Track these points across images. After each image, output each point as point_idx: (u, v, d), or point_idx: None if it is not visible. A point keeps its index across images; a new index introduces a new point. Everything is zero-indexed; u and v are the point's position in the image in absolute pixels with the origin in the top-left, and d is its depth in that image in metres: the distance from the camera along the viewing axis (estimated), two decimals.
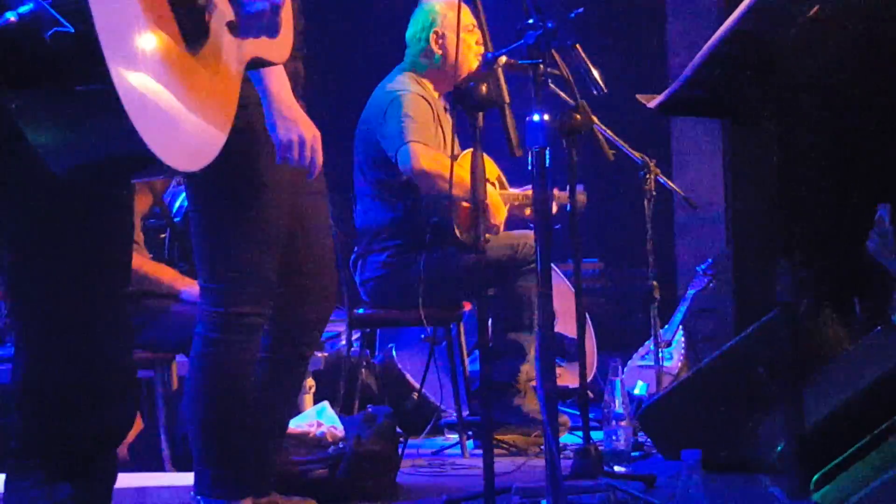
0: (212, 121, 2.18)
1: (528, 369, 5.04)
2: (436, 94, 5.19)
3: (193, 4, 2.15)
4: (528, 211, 5.18)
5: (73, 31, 1.83)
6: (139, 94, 1.93)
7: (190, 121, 2.10)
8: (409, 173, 4.92)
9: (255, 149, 2.91)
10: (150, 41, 2.02)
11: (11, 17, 1.83)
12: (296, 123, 2.94)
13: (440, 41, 5.18)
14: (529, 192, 5.16)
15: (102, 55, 1.86)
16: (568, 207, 4.25)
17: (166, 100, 2.02)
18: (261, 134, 2.91)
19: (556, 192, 5.04)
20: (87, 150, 2.01)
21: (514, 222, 5.29)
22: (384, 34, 5.66)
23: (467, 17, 4.97)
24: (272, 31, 2.32)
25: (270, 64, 2.48)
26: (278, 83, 2.96)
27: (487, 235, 5.04)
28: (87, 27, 1.84)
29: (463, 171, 4.65)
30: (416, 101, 5.03)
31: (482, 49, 4.93)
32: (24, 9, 1.83)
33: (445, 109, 5.21)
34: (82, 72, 1.88)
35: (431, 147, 4.97)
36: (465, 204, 4.84)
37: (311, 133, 2.96)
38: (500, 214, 5.14)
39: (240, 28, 2.26)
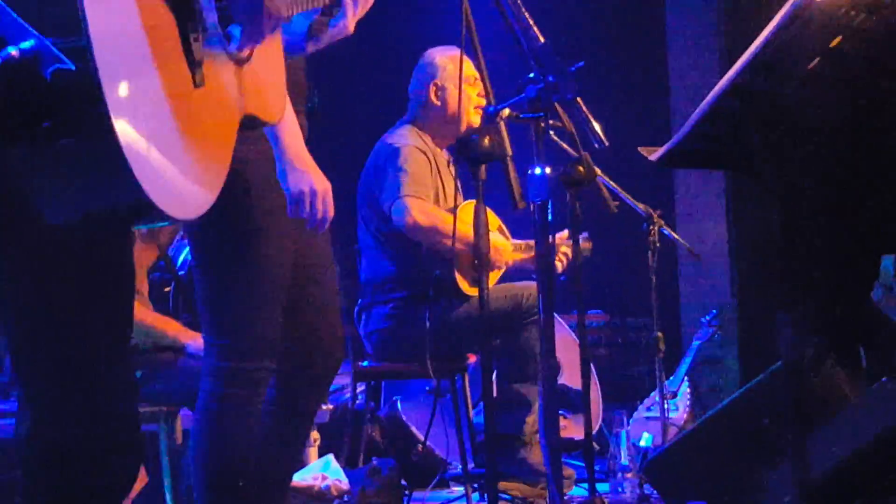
0: (210, 165, 2.17)
1: (534, 421, 5.03)
2: (437, 148, 5.22)
3: (202, 31, 2.16)
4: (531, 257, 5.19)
5: (73, 69, 1.83)
6: (139, 138, 1.92)
7: (189, 166, 2.08)
8: (402, 227, 4.94)
9: (255, 203, 2.91)
10: (154, 80, 2.01)
11: (13, 51, 1.83)
12: (307, 175, 2.95)
13: (440, 93, 5.22)
14: (531, 243, 5.19)
15: (103, 95, 1.86)
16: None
17: (166, 143, 2.01)
18: (261, 188, 2.91)
19: (559, 237, 5.05)
20: (86, 197, 2.00)
21: (517, 273, 5.29)
22: (391, 87, 5.69)
23: (469, 69, 5.00)
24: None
25: (264, 124, 2.48)
26: (290, 134, 2.97)
27: (491, 284, 5.06)
28: (88, 66, 1.84)
29: (463, 225, 4.66)
30: (412, 154, 5.05)
31: (483, 101, 4.99)
32: (25, 45, 1.83)
33: (448, 163, 5.23)
34: (82, 112, 1.88)
35: (427, 201, 4.99)
36: (467, 255, 4.86)
37: (322, 185, 2.97)
38: (504, 255, 5.14)
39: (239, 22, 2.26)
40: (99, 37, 1.85)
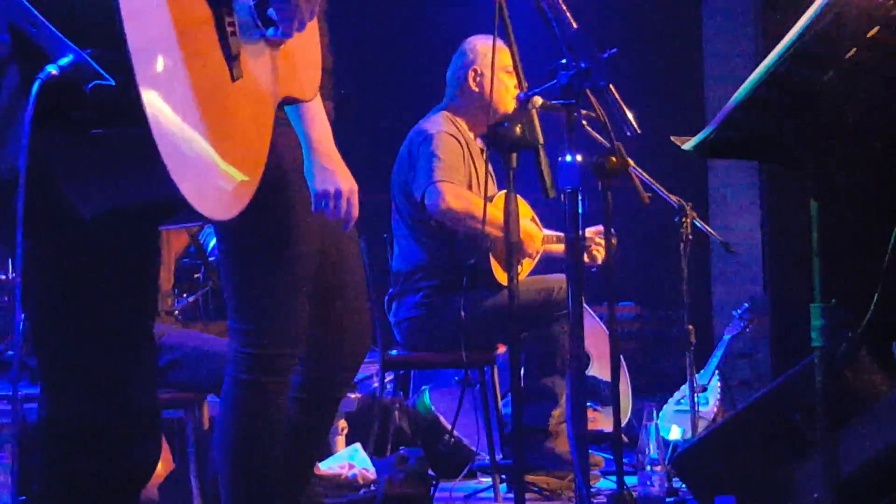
0: (246, 166, 2.18)
1: (560, 413, 5.01)
2: (471, 135, 5.20)
3: (239, 22, 2.15)
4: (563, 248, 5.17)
5: (113, 84, 1.83)
6: (177, 143, 1.93)
7: (225, 168, 2.09)
8: (435, 212, 4.92)
9: (284, 189, 2.90)
10: (191, 82, 2.01)
11: (53, 70, 1.84)
12: (334, 174, 2.94)
13: (478, 79, 5.20)
14: (563, 235, 5.16)
15: (142, 106, 1.86)
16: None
17: (203, 148, 2.02)
18: (290, 174, 2.90)
19: (591, 230, 5.04)
20: (120, 195, 2.00)
21: (548, 265, 5.27)
22: (425, 75, 5.67)
23: (507, 58, 4.97)
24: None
25: (301, 101, 2.47)
26: (320, 130, 2.96)
27: (523, 275, 5.04)
28: (127, 78, 1.85)
29: (497, 211, 4.63)
30: (445, 140, 5.03)
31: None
32: (64, 61, 1.84)
33: (482, 150, 5.21)
34: (121, 122, 1.88)
35: (460, 186, 4.97)
36: (503, 243, 4.83)
37: (348, 185, 2.96)
38: (535, 242, 5.12)
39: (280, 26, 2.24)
40: (136, 47, 1.85)
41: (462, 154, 5.07)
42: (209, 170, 2.04)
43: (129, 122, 1.87)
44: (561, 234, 5.21)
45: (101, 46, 1.85)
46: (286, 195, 2.90)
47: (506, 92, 5.02)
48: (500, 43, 3.00)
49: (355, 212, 2.96)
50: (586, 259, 5.07)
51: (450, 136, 5.07)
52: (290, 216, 2.91)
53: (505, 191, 3.09)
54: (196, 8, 2.08)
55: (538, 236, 5.17)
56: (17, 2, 1.84)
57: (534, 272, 5.25)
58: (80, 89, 1.84)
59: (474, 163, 5.13)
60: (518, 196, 3.14)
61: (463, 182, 5.01)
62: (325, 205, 2.92)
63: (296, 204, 2.91)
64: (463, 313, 4.75)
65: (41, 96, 1.84)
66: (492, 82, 4.82)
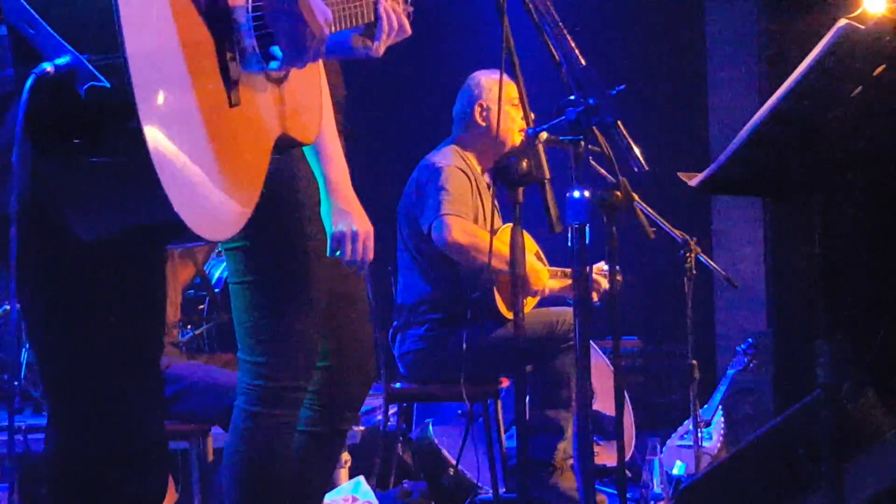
0: (243, 188, 2.17)
1: (566, 447, 5.00)
2: (479, 169, 5.21)
3: (239, 52, 2.16)
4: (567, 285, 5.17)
5: (108, 86, 1.83)
6: (172, 159, 1.92)
7: (221, 188, 2.08)
8: (442, 246, 4.93)
9: (300, 224, 2.91)
10: (189, 99, 2.01)
11: (48, 67, 1.83)
12: (350, 216, 2.95)
13: (484, 114, 5.22)
14: (567, 271, 5.17)
15: (137, 114, 1.85)
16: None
17: (199, 164, 2.00)
18: (307, 208, 2.91)
19: (595, 267, 5.04)
20: (118, 216, 2.00)
21: (553, 299, 5.27)
22: (433, 108, 5.69)
23: (513, 91, 4.99)
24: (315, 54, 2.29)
25: (299, 144, 2.47)
26: (338, 171, 2.97)
27: (527, 309, 5.04)
28: (122, 84, 1.84)
29: (503, 245, 4.64)
30: (454, 174, 5.05)
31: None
32: (60, 61, 1.83)
33: (489, 185, 5.22)
34: (115, 129, 1.88)
35: (467, 220, 4.98)
36: (506, 277, 4.83)
37: (364, 228, 2.97)
38: (540, 280, 5.12)
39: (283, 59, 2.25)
40: (135, 55, 1.85)
41: (470, 188, 5.08)
42: (207, 188, 2.03)
43: (124, 132, 1.86)
44: (567, 270, 5.21)
45: (99, 51, 1.84)
46: (302, 230, 2.90)
47: (513, 124, 5.05)
48: (505, 77, 3.04)
49: (370, 255, 2.97)
50: None
51: (459, 169, 5.08)
52: (305, 251, 2.92)
53: (510, 224, 3.10)
54: (200, 30, 2.08)
55: (543, 273, 5.17)
56: (16, 3, 1.84)
57: (537, 306, 5.25)
58: (74, 90, 1.83)
59: (482, 197, 5.14)
60: (524, 231, 3.14)
61: (470, 216, 5.02)
62: (341, 247, 2.93)
63: (311, 239, 2.92)
64: (465, 346, 4.76)
65: (34, 94, 1.84)
66: (498, 116, 4.84)
